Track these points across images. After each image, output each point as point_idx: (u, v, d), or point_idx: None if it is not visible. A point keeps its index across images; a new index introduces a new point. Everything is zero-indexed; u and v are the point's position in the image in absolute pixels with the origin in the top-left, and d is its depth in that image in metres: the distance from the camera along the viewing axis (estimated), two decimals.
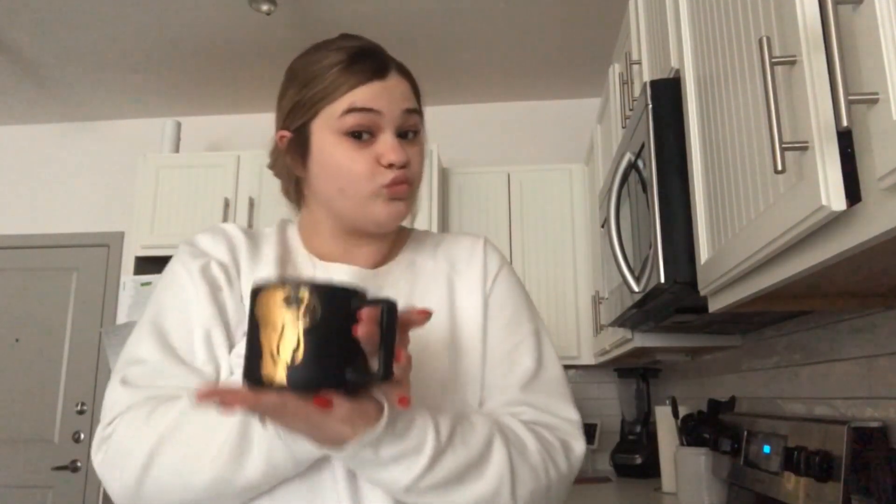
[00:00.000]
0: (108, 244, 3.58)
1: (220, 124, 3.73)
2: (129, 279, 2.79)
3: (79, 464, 3.29)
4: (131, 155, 3.68)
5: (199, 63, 3.18)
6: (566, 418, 0.84)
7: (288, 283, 0.58)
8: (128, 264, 2.98)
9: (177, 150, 3.24)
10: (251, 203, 2.95)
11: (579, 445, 0.83)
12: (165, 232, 2.96)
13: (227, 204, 2.95)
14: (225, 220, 2.93)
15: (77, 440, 3.32)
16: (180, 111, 3.68)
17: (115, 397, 0.75)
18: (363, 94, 0.78)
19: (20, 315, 3.51)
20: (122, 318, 2.73)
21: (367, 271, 0.85)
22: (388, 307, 0.60)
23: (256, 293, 0.60)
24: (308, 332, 0.57)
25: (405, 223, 0.90)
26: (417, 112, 0.85)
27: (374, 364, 0.60)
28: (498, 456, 0.73)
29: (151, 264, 2.99)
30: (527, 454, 0.76)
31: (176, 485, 0.69)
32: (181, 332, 0.78)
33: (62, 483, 3.28)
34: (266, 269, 0.82)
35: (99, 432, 0.74)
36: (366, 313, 0.59)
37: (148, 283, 2.75)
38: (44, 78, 3.30)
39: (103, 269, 3.55)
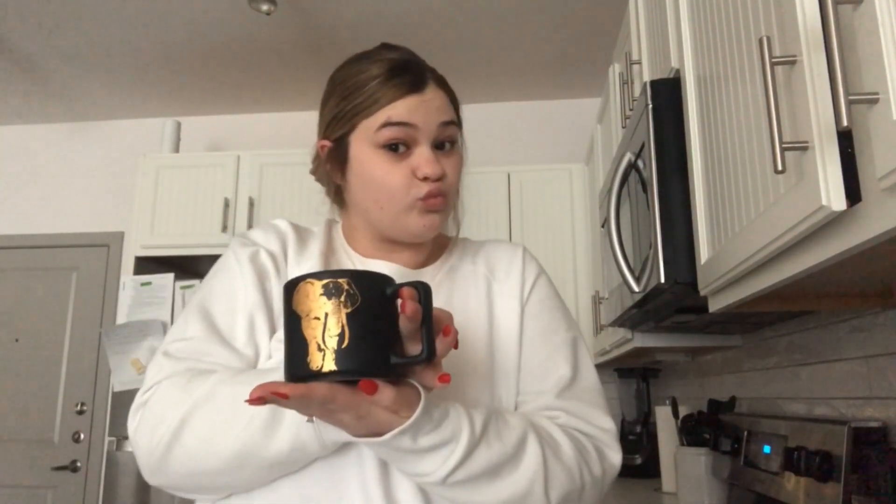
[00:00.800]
0: (108, 244, 3.58)
1: (219, 124, 3.73)
2: (128, 279, 2.79)
3: (79, 464, 3.29)
4: (131, 155, 3.68)
5: (199, 63, 3.18)
6: (602, 427, 0.84)
7: (324, 275, 0.59)
8: (128, 264, 2.98)
9: (177, 150, 3.24)
10: (251, 203, 2.95)
11: (615, 456, 0.83)
12: (165, 232, 2.96)
13: (226, 204, 2.95)
14: (225, 220, 2.93)
15: (77, 440, 3.32)
16: (180, 111, 3.68)
17: (156, 367, 0.77)
18: (400, 109, 0.80)
19: (20, 315, 3.51)
20: (121, 318, 2.73)
21: (408, 270, 0.87)
22: (425, 288, 0.62)
23: (293, 288, 0.60)
24: (351, 319, 0.58)
25: (450, 232, 0.95)
26: (454, 123, 0.86)
27: (413, 348, 0.62)
28: (532, 453, 0.72)
29: (151, 264, 2.99)
30: (561, 454, 0.76)
31: (203, 451, 0.70)
32: (226, 315, 0.80)
33: (62, 483, 3.28)
34: (311, 262, 0.84)
35: (137, 399, 0.76)
36: (406, 292, 0.60)
37: (148, 283, 2.75)
38: (44, 78, 3.30)
39: (103, 269, 3.55)
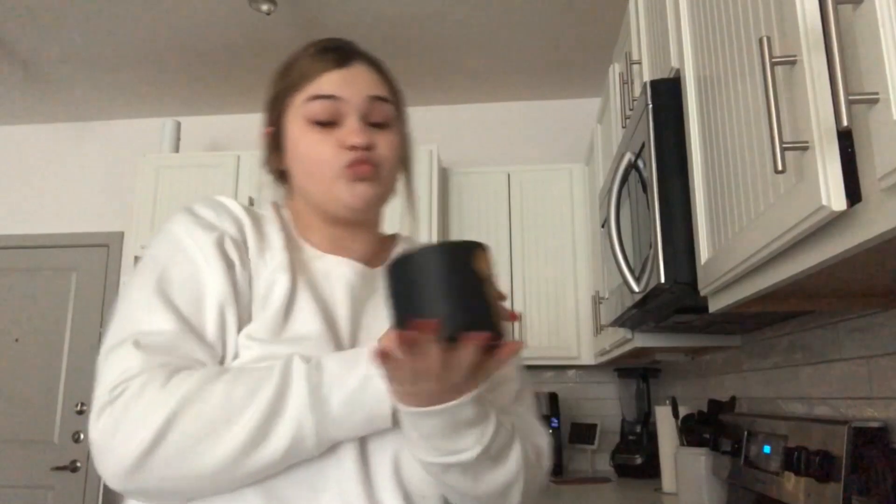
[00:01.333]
0: (108, 244, 3.58)
1: (219, 124, 3.73)
2: (128, 279, 2.79)
3: (78, 464, 3.29)
4: (131, 155, 3.68)
5: (199, 63, 3.18)
6: (543, 442, 0.85)
7: (480, 244, 0.63)
8: (127, 264, 2.98)
9: (176, 149, 3.24)
10: (251, 203, 2.95)
11: (547, 469, 0.85)
12: None
13: None
14: None
15: (77, 440, 3.32)
16: (180, 111, 3.68)
17: (123, 362, 0.69)
18: (326, 82, 0.81)
19: (20, 315, 3.51)
20: None
21: (367, 269, 0.85)
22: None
23: (471, 250, 0.62)
24: (489, 284, 0.63)
25: (403, 229, 0.92)
26: (388, 101, 0.85)
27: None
28: (517, 441, 0.74)
29: None
30: (528, 447, 0.77)
31: (193, 453, 0.65)
32: (192, 306, 0.74)
33: (62, 483, 3.28)
34: (276, 257, 0.80)
35: (101, 397, 0.68)
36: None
37: None
38: (44, 78, 3.30)
39: (103, 269, 3.55)
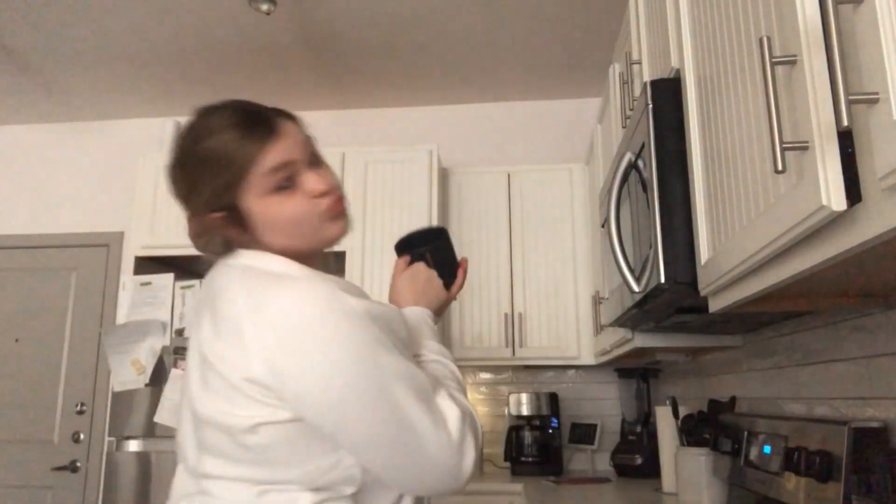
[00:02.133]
0: (108, 244, 3.58)
1: None
2: (128, 279, 2.79)
3: (78, 464, 3.29)
4: (131, 155, 3.68)
5: (199, 63, 3.18)
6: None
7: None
8: (127, 264, 2.98)
9: None
10: None
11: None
12: (165, 232, 2.96)
13: None
14: None
15: (77, 440, 3.32)
16: (180, 111, 3.68)
17: (447, 411, 0.84)
18: (271, 155, 0.85)
19: (20, 315, 3.51)
20: (121, 319, 2.73)
21: None
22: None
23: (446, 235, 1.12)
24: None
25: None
26: (311, 139, 0.93)
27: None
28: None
29: (151, 264, 2.99)
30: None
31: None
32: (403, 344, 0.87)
33: (62, 483, 3.28)
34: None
35: (455, 434, 0.83)
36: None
37: (148, 283, 2.75)
38: (43, 78, 3.30)
39: (103, 269, 3.55)
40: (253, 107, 0.90)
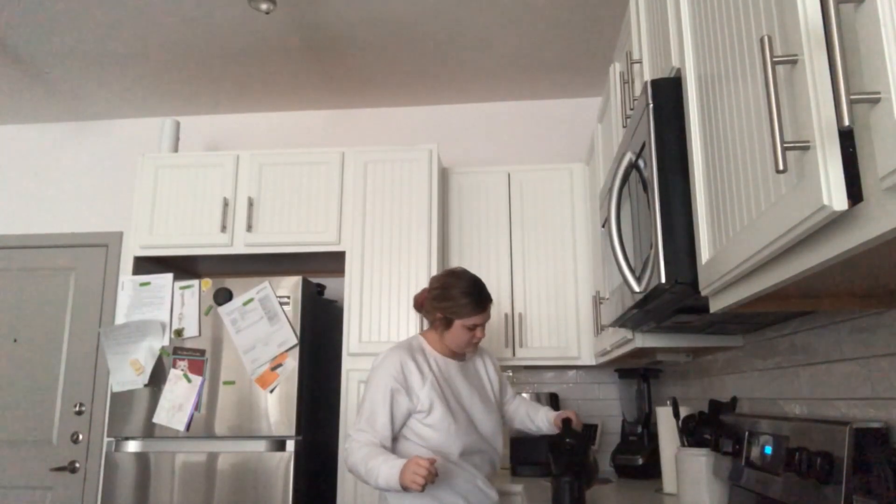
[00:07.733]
0: (107, 244, 3.58)
1: (218, 124, 3.73)
2: (127, 279, 2.79)
3: (77, 465, 3.29)
4: (130, 155, 3.69)
5: (198, 62, 3.17)
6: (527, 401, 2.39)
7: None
8: (126, 264, 2.98)
9: (175, 149, 3.24)
10: (250, 203, 2.95)
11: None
12: (164, 232, 2.96)
13: (225, 203, 2.95)
14: (224, 220, 2.93)
15: (76, 441, 3.32)
16: (179, 111, 3.68)
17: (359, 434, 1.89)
18: (478, 318, 1.96)
19: (18, 315, 3.51)
20: (120, 319, 2.73)
21: (461, 363, 2.05)
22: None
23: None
24: None
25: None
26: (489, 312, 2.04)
27: None
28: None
29: (150, 264, 2.99)
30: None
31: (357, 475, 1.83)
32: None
33: (61, 484, 3.28)
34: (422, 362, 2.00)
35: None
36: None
37: (147, 283, 2.74)
38: (43, 78, 3.30)
39: (102, 269, 3.55)
40: (485, 291, 1.99)
